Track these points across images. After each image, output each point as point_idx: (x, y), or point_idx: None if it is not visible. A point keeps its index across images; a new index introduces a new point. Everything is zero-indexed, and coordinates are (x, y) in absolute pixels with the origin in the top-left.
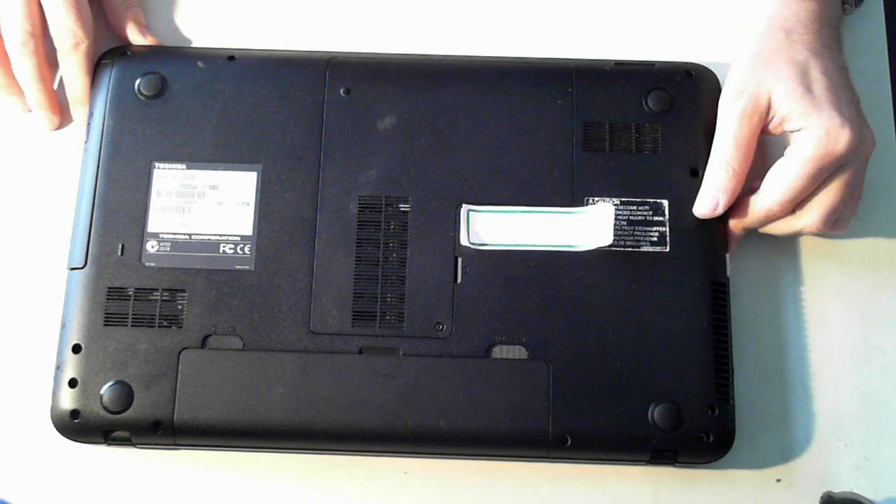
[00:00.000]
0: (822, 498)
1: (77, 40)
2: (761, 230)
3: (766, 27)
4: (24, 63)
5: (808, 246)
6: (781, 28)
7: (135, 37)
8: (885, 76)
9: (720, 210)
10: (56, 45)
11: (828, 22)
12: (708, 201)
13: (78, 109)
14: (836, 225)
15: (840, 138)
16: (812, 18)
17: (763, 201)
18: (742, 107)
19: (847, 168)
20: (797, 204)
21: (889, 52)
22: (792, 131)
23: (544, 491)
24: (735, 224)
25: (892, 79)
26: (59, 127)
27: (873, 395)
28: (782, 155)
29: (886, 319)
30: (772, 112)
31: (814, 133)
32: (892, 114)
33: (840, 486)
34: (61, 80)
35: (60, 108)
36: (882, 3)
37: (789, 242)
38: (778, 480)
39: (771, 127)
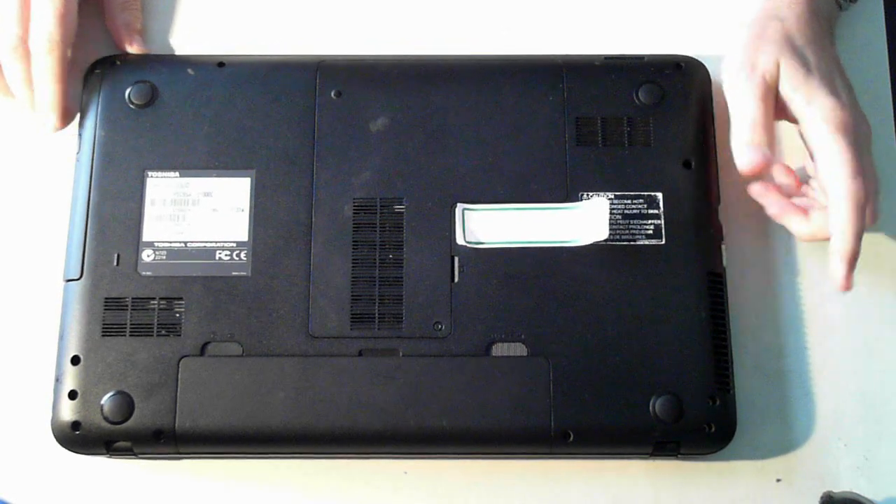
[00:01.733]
0: (822, 498)
1: (51, 45)
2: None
3: (759, 16)
4: (14, 67)
5: (807, 245)
6: (774, 17)
7: (120, 42)
8: (885, 76)
9: (762, 165)
10: (31, 47)
11: (819, 15)
12: (748, 155)
13: (49, 115)
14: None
15: (845, 119)
16: (803, 10)
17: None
18: (756, 74)
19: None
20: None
21: (889, 51)
22: (797, 115)
23: (544, 489)
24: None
25: (892, 79)
26: (61, 129)
27: (873, 395)
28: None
29: (886, 319)
30: (781, 91)
31: (820, 117)
32: (892, 114)
33: (840, 486)
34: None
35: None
36: (882, 2)
37: (789, 244)
38: (778, 480)
39: (778, 105)
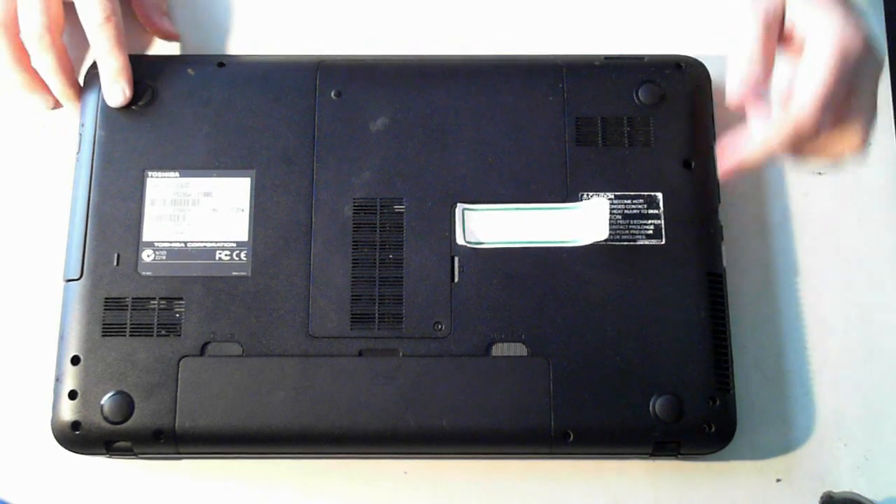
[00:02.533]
0: (822, 498)
1: (42, 40)
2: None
3: None
4: (43, 57)
5: (807, 245)
6: None
7: (150, 24)
8: (886, 76)
9: (753, 85)
10: (26, 47)
11: None
12: (736, 91)
13: (71, 107)
14: (844, 129)
15: (853, 40)
16: None
17: (792, 113)
18: (759, 6)
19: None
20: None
21: (889, 51)
22: (802, 35)
23: (544, 489)
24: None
25: (892, 79)
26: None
27: (873, 395)
28: None
29: (886, 319)
30: (787, 16)
31: (825, 31)
32: (892, 114)
33: (840, 486)
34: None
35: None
36: (882, 2)
37: (788, 243)
38: (778, 480)
39: (786, 31)
